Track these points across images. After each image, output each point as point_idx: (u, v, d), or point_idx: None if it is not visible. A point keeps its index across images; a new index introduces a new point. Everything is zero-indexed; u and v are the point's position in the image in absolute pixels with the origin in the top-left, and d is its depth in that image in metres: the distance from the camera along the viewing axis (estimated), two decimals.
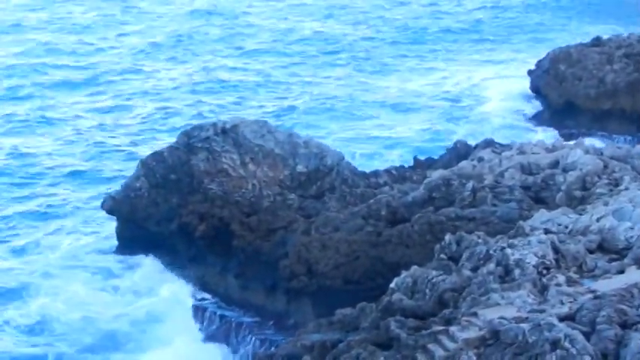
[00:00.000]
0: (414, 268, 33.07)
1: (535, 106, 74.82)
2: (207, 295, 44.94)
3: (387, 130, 74.37)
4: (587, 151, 45.42)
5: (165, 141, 53.57)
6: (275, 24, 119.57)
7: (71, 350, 42.81)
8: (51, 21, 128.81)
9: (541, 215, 36.32)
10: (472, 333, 27.00)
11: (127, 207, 48.79)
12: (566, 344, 24.90)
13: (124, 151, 66.66)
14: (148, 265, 47.03)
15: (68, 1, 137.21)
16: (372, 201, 44.27)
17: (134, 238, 48.46)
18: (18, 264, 52.06)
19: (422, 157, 52.38)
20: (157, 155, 50.02)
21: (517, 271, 30.15)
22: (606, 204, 36.69)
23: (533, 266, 30.15)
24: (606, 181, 41.29)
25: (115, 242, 50.08)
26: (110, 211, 49.66)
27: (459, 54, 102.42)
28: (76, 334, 43.70)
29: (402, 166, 51.62)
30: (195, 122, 54.14)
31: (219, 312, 43.78)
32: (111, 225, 50.53)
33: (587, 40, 76.88)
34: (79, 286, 47.34)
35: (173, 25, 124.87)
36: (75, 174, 64.09)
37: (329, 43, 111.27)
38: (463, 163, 46.09)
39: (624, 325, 25.91)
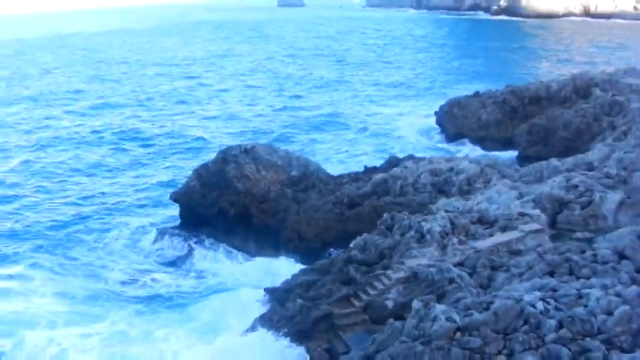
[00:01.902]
0: (365, 234, 33.85)
1: (439, 134, 75.09)
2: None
3: (349, 147, 75.08)
4: (470, 162, 46.10)
5: (209, 157, 53.66)
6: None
7: None
8: None
9: (443, 201, 37.09)
10: (400, 274, 27.89)
11: (186, 198, 49.39)
12: (458, 280, 25.75)
13: (184, 165, 66.18)
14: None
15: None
16: (338, 193, 44.90)
17: (190, 217, 48.96)
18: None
19: (369, 166, 52.94)
20: (204, 166, 50.80)
21: (428, 236, 30.92)
22: (482, 194, 37.36)
23: (438, 233, 30.90)
24: (482, 180, 41.98)
25: (178, 220, 50.34)
26: (175, 200, 50.23)
27: (395, 102, 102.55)
28: None
29: (357, 172, 52.00)
30: (227, 144, 54.07)
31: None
32: (176, 209, 50.65)
33: (470, 93, 77.23)
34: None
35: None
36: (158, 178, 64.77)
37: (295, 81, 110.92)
38: (395, 169, 46.72)
39: (493, 268, 26.80)
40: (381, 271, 29.28)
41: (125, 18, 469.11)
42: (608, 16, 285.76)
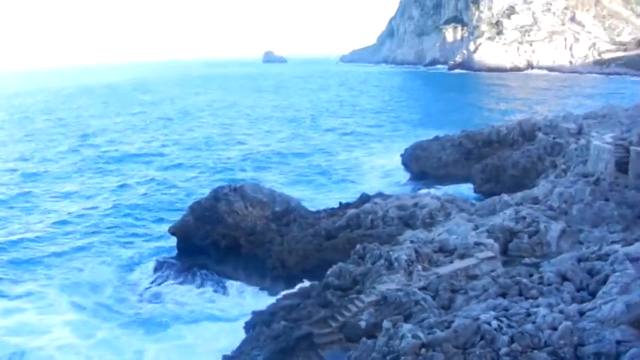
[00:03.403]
0: (340, 263, 33.61)
1: (405, 173, 75.22)
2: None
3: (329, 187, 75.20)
4: (432, 198, 46.12)
5: (203, 195, 53.63)
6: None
7: None
8: None
9: (408, 233, 37.02)
10: (372, 298, 27.74)
11: (182, 231, 49.20)
12: (423, 303, 25.70)
13: (180, 201, 66.07)
14: None
15: None
16: (316, 226, 44.78)
17: (186, 248, 48.73)
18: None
19: (343, 202, 52.94)
20: (198, 202, 50.57)
21: (396, 264, 30.76)
22: (443, 226, 37.34)
23: (405, 261, 30.74)
24: (443, 214, 41.98)
25: (175, 251, 50.15)
26: (173, 234, 50.01)
27: (365, 146, 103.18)
28: None
29: (332, 207, 51.98)
30: (219, 184, 54.10)
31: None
32: (174, 240, 50.45)
33: (430, 137, 77.62)
34: None
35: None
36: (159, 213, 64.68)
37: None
38: (366, 205, 46.60)
39: (453, 291, 26.79)
40: (355, 296, 29.19)
41: (139, 71, 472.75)
42: (548, 69, 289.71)
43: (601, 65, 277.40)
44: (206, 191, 54.23)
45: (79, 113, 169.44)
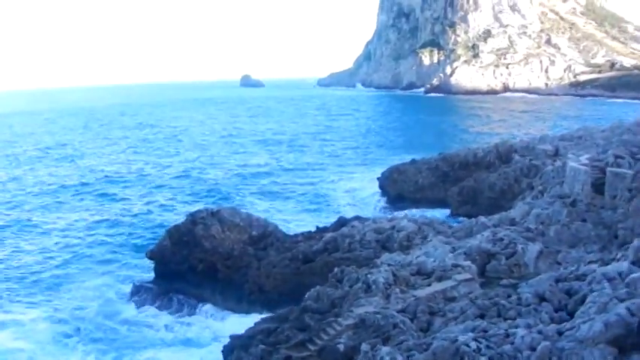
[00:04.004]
0: (318, 287, 33.52)
1: (382, 197, 75.40)
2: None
3: (302, 210, 75.10)
4: (409, 221, 46.17)
5: (180, 219, 53.47)
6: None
7: None
8: None
9: (386, 256, 36.92)
10: (350, 321, 27.62)
11: (159, 255, 48.98)
12: (401, 325, 25.65)
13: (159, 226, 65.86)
14: None
15: None
16: (294, 250, 44.68)
17: (163, 272, 48.41)
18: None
19: (321, 226, 52.95)
20: (175, 227, 50.23)
21: (373, 287, 30.70)
22: (420, 249, 37.36)
23: (382, 284, 30.69)
24: (420, 237, 41.98)
25: (153, 274, 49.88)
26: (151, 258, 49.75)
27: (342, 170, 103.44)
28: None
29: (310, 231, 51.89)
30: (196, 208, 53.89)
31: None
32: (151, 265, 50.26)
33: (407, 161, 77.89)
34: None
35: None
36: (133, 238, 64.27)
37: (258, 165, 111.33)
38: (343, 229, 46.59)
39: (431, 313, 26.75)
40: (333, 319, 29.09)
41: (121, 94, 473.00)
42: (524, 91, 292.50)
43: (576, 87, 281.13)
44: (183, 215, 53.93)
45: (60, 137, 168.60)
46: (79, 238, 65.20)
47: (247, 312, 41.60)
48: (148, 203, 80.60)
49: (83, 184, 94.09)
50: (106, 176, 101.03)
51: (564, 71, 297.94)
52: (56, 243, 63.24)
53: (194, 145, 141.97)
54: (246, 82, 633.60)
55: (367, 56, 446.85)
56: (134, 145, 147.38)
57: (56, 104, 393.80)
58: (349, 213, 60.19)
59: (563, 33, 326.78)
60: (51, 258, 58.51)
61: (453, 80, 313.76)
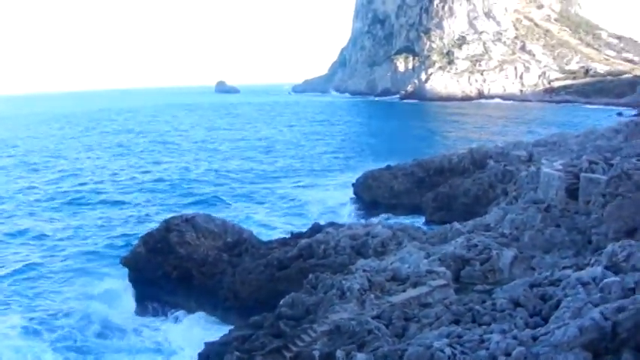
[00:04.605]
0: (293, 293, 33.52)
1: (357, 203, 75.40)
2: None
3: (277, 216, 74.97)
4: (384, 227, 46.33)
5: (154, 225, 53.18)
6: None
7: None
8: None
9: (361, 262, 36.92)
10: (325, 327, 27.59)
11: (134, 262, 48.69)
12: (376, 331, 25.64)
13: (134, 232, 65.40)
14: None
15: None
16: (268, 257, 44.55)
17: (138, 279, 48.16)
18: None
19: (295, 232, 52.91)
20: (149, 234, 50.01)
21: (348, 293, 30.73)
22: (395, 255, 37.43)
23: (357, 290, 30.71)
24: (395, 243, 42.10)
25: (127, 281, 49.57)
26: (125, 265, 49.43)
27: (317, 176, 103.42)
28: None
29: (284, 238, 51.81)
30: (170, 215, 53.70)
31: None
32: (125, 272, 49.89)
33: (382, 166, 77.89)
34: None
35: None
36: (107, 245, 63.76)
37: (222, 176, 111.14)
38: (318, 235, 46.54)
39: (406, 319, 26.79)
40: (308, 325, 29.04)
41: (94, 100, 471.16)
42: (499, 97, 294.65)
43: (551, 93, 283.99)
44: (158, 222, 53.65)
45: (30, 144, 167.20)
46: (53, 245, 64.66)
47: (222, 319, 41.65)
48: (121, 209, 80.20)
49: (57, 192, 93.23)
50: (80, 183, 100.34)
51: (539, 77, 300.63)
52: (28, 252, 62.56)
53: (169, 152, 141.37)
54: (222, 88, 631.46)
55: (342, 62, 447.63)
56: (108, 151, 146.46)
57: (21, 110, 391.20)
58: (324, 219, 60.14)
59: (537, 40, 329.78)
60: (25, 266, 57.90)
61: (427, 86, 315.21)
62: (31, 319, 45.21)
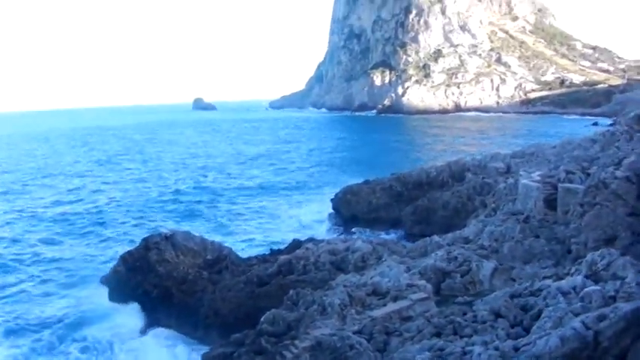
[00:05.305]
0: (273, 310, 33.44)
1: (336, 218, 75.27)
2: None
3: (257, 234, 74.79)
4: (363, 241, 46.30)
5: (135, 244, 52.96)
6: None
7: None
8: None
9: (341, 277, 36.96)
10: (307, 343, 27.54)
11: (114, 281, 48.56)
12: (358, 346, 25.67)
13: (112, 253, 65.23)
14: None
15: None
16: (249, 274, 44.43)
17: (118, 298, 47.91)
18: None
19: (275, 249, 52.86)
20: (129, 253, 49.75)
21: (329, 309, 30.73)
22: (375, 269, 37.43)
23: (338, 305, 30.72)
24: (374, 257, 42.01)
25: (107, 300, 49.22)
26: (105, 284, 49.52)
27: (294, 192, 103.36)
28: None
29: (264, 254, 51.79)
30: (150, 233, 53.54)
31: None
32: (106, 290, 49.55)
33: (360, 181, 77.88)
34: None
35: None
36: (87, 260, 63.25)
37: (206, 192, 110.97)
38: (297, 251, 46.47)
39: (388, 333, 26.83)
40: (290, 341, 28.96)
41: (68, 119, 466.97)
42: (476, 110, 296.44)
43: (527, 105, 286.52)
44: (137, 240, 53.45)
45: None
46: (31, 262, 64.11)
47: (203, 336, 41.31)
48: (102, 227, 79.56)
49: (36, 211, 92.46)
50: (57, 201, 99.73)
51: (515, 89, 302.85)
52: (5, 271, 62.04)
53: (147, 169, 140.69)
54: (199, 105, 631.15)
55: (319, 78, 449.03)
56: (87, 168, 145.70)
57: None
58: (303, 234, 60.06)
59: (513, 51, 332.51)
60: (5, 283, 57.51)
61: (404, 100, 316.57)
62: (7, 335, 45.02)
